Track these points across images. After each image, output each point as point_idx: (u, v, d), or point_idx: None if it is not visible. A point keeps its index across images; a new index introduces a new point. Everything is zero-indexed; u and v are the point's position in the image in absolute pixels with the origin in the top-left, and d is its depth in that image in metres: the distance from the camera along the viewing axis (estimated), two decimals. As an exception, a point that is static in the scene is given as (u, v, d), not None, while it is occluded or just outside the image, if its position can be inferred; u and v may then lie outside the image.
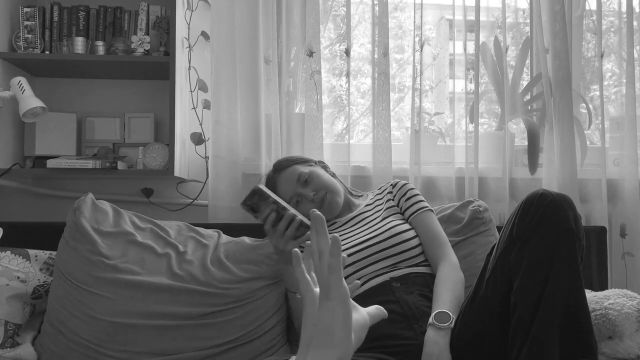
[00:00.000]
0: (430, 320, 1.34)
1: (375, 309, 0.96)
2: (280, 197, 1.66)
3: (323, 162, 1.79)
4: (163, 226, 1.76)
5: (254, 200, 1.37)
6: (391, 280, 1.50)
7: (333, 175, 1.76)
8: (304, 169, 1.68)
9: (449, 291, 1.43)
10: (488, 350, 1.31)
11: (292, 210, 1.39)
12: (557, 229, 1.22)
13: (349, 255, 1.57)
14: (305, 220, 1.41)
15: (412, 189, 1.71)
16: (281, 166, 1.71)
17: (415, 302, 1.43)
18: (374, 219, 1.66)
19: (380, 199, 1.73)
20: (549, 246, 1.21)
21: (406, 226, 1.61)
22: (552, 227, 1.22)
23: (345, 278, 1.56)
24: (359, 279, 1.55)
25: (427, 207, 1.66)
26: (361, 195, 1.84)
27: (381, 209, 1.69)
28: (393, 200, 1.71)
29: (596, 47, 2.22)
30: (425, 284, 1.50)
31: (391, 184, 1.75)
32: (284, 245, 1.42)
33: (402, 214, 1.67)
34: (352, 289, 1.04)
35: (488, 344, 1.30)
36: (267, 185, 1.71)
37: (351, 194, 1.80)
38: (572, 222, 1.22)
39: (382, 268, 1.53)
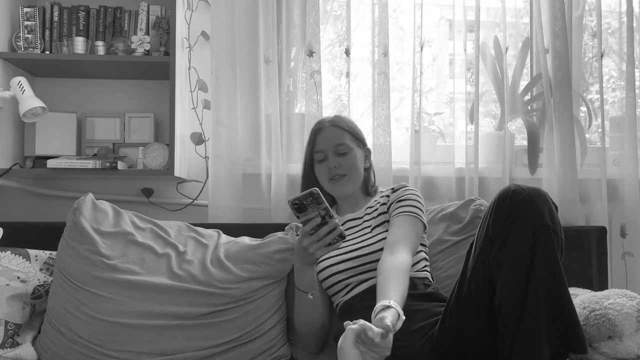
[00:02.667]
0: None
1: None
2: (312, 140, 1.69)
3: (370, 151, 1.77)
4: (163, 226, 1.76)
5: (306, 201, 1.35)
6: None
7: (368, 167, 1.75)
8: (350, 143, 1.68)
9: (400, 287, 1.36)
10: (475, 349, 1.31)
11: (336, 220, 1.39)
12: (533, 227, 1.20)
13: (339, 263, 1.58)
14: (344, 232, 1.40)
15: (411, 194, 1.64)
16: (337, 124, 1.70)
17: None
18: (366, 228, 1.65)
19: (379, 204, 1.71)
20: (527, 245, 1.20)
21: None
22: (528, 225, 1.20)
23: (335, 284, 1.57)
24: (347, 286, 1.57)
25: (411, 212, 1.58)
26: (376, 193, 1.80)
27: (372, 218, 1.67)
28: (387, 204, 1.67)
29: (596, 47, 2.22)
30: (412, 286, 1.48)
31: (392, 188, 1.71)
32: (316, 249, 1.38)
33: (391, 215, 1.64)
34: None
35: (476, 342, 1.30)
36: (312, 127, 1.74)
37: (367, 192, 1.76)
38: (548, 218, 1.21)
39: (370, 277, 1.54)
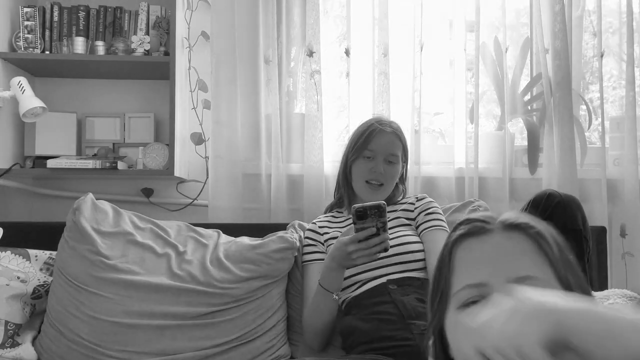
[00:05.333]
0: None
1: None
2: (369, 137, 1.67)
3: (406, 167, 1.79)
4: (163, 226, 1.76)
5: (371, 211, 1.38)
6: (388, 283, 1.52)
7: (402, 178, 1.77)
8: (400, 156, 1.70)
9: None
10: None
11: (387, 234, 1.41)
12: (565, 230, 1.21)
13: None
14: (389, 246, 1.42)
15: (437, 207, 1.70)
16: (398, 134, 1.70)
17: (411, 303, 1.44)
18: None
19: (397, 210, 1.71)
20: None
21: (414, 238, 1.61)
22: (560, 228, 1.22)
23: (345, 279, 1.57)
24: (358, 282, 1.56)
25: (443, 227, 1.64)
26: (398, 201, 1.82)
27: (391, 219, 1.67)
28: (412, 212, 1.69)
29: (596, 47, 2.22)
30: (422, 286, 1.50)
31: (417, 197, 1.74)
32: (359, 256, 1.40)
33: (417, 227, 1.67)
34: None
35: None
36: (365, 123, 1.73)
37: (391, 199, 1.76)
38: (580, 223, 1.23)
39: (381, 274, 1.54)
